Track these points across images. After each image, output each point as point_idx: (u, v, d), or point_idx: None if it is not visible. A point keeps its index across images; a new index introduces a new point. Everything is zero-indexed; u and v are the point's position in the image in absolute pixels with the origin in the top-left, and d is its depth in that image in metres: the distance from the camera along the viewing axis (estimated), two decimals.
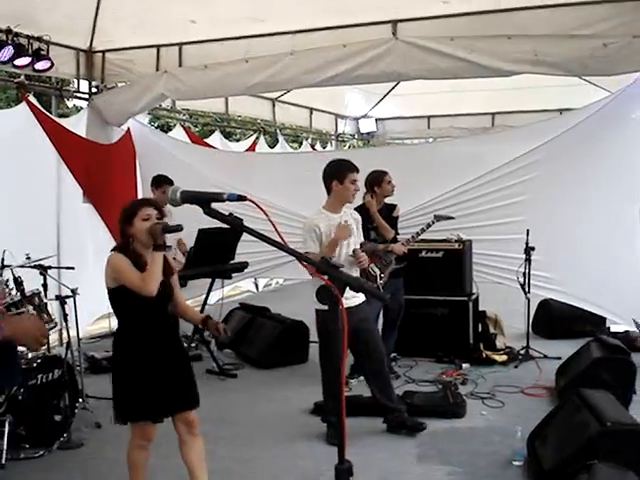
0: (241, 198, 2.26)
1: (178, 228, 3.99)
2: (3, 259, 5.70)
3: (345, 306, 4.94)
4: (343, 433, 2.13)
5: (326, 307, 4.95)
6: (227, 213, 2.26)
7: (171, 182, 7.41)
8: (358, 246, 5.50)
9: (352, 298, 5.25)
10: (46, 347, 6.25)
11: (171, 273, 4.11)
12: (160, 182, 7.50)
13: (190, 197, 2.27)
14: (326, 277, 2.10)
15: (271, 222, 2.31)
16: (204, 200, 2.24)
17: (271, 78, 7.78)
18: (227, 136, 14.31)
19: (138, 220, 3.89)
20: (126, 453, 4.14)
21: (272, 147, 13.74)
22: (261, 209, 2.23)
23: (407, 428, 5.57)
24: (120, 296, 3.93)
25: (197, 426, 4.14)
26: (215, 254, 7.45)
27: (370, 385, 5.66)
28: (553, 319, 8.59)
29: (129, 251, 3.92)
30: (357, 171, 5.46)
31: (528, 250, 7.37)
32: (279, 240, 2.20)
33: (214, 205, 2.25)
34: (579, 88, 10.14)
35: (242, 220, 2.26)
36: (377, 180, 6.83)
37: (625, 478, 3.80)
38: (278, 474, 4.94)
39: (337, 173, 5.43)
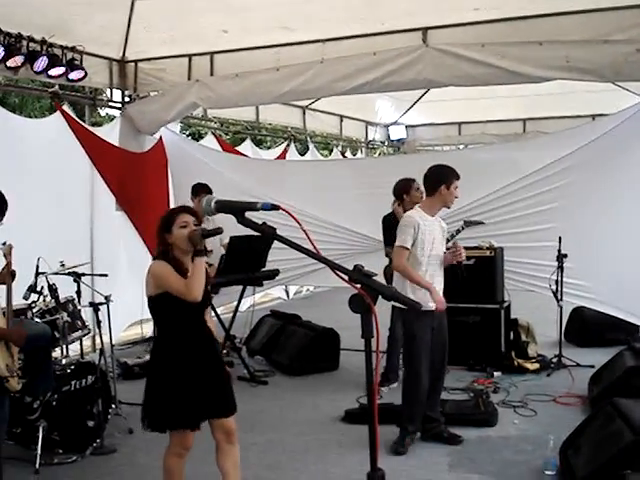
0: (275, 207, 2.28)
1: (218, 231, 4.03)
2: (38, 266, 5.78)
3: (429, 309, 5.02)
4: (376, 440, 2.12)
5: (406, 307, 5.03)
6: (261, 222, 2.27)
7: (210, 190, 7.46)
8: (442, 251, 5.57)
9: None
10: (80, 353, 6.35)
11: (209, 282, 4.13)
12: (200, 190, 7.57)
13: (224, 206, 2.29)
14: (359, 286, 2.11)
15: (304, 231, 2.33)
16: (238, 209, 2.26)
17: (301, 86, 7.82)
18: (258, 144, 14.39)
19: (176, 227, 3.93)
20: (163, 459, 4.17)
21: (302, 154, 13.78)
22: (294, 218, 2.25)
23: (444, 440, 5.56)
24: (162, 303, 3.96)
25: (235, 434, 4.16)
26: (246, 261, 7.48)
27: None
28: (586, 327, 8.51)
29: (170, 258, 3.96)
30: (459, 178, 5.51)
31: (560, 257, 7.31)
32: (311, 248, 2.22)
33: (248, 214, 2.26)
34: (612, 93, 10.04)
35: (275, 229, 2.28)
36: (406, 188, 6.83)
37: None
38: None
39: (445, 178, 5.45)
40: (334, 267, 2.12)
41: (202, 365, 4.01)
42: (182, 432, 4.02)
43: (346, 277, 2.10)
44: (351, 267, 2.12)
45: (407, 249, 5.36)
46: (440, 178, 5.47)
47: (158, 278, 3.93)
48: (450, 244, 5.51)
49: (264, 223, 2.26)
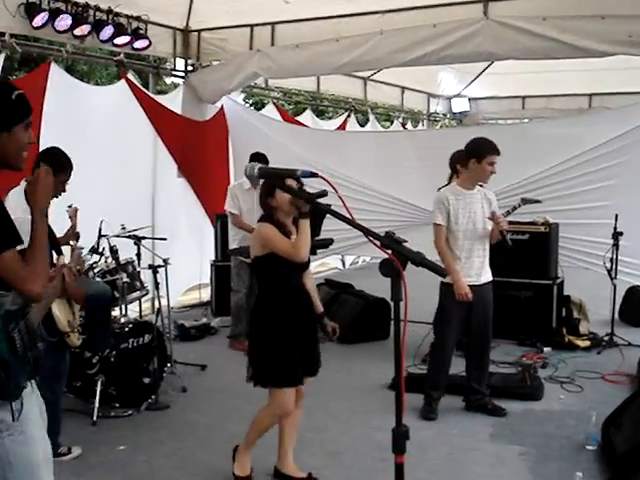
0: (313, 175, 2.39)
1: (322, 193, 4.12)
2: (100, 229, 6.02)
3: (468, 284, 5.06)
4: (402, 399, 2.24)
5: (447, 280, 5.08)
6: (318, 191, 2.37)
7: (267, 161, 7.58)
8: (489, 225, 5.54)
9: (474, 277, 5.44)
10: (139, 313, 6.61)
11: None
12: (257, 159, 7.67)
13: (266, 173, 2.42)
14: (390, 251, 2.21)
15: (340, 198, 2.43)
16: (279, 176, 2.38)
17: (360, 57, 7.87)
18: (319, 114, 14.45)
19: (279, 191, 4.02)
20: (258, 414, 4.35)
21: (363, 126, 13.80)
22: (331, 185, 2.35)
23: (487, 411, 5.64)
24: (267, 263, 4.15)
25: (303, 397, 4.36)
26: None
27: (468, 362, 5.76)
28: None
29: (274, 221, 4.13)
30: (498, 153, 5.41)
31: (616, 235, 7.24)
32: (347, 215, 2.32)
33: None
34: None
35: (315, 195, 2.38)
36: (459, 159, 6.82)
37: None
38: (353, 444, 5.09)
39: (476, 151, 5.42)
40: (367, 233, 2.22)
41: (301, 324, 4.20)
42: (286, 389, 4.17)
43: (378, 243, 2.21)
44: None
45: (440, 225, 5.45)
46: (472, 151, 5.45)
47: (265, 239, 4.11)
48: (489, 215, 5.46)
49: (321, 192, 2.36)
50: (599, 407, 5.31)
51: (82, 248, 3.64)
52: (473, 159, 5.41)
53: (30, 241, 2.43)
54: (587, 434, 4.94)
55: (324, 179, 2.33)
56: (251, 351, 4.24)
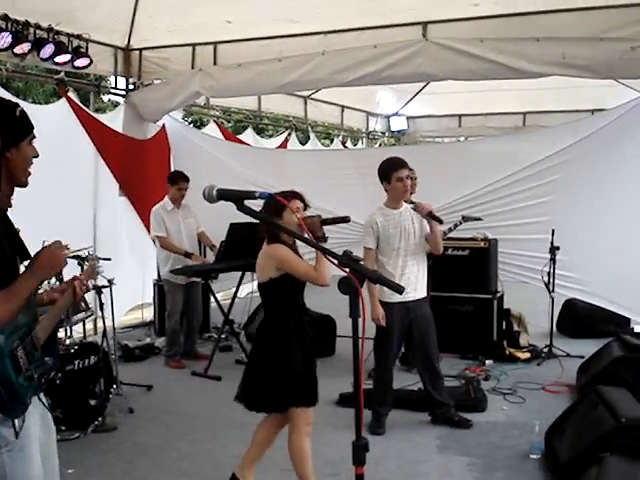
0: (271, 196, 2.44)
1: (346, 219, 4.15)
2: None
3: (402, 300, 5.17)
4: (361, 413, 2.29)
5: (385, 299, 5.16)
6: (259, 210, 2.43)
7: (187, 178, 7.65)
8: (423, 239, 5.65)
9: (411, 292, 5.53)
10: (83, 335, 6.52)
11: None
12: (177, 178, 7.73)
13: (225, 195, 2.45)
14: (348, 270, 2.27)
15: (298, 219, 2.49)
16: (238, 198, 2.42)
17: (303, 77, 7.95)
18: (260, 132, 14.50)
19: (287, 213, 3.95)
20: (291, 445, 4.24)
21: (304, 144, 13.90)
22: (290, 208, 2.40)
23: (454, 423, 5.75)
24: (277, 286, 4.15)
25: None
26: (246, 248, 7.61)
27: (422, 378, 5.86)
28: (578, 318, 8.69)
29: (284, 243, 4.10)
30: (404, 167, 5.55)
31: (553, 250, 7.47)
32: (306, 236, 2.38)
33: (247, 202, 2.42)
34: (612, 89, 10.14)
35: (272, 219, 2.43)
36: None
37: (633, 471, 3.92)
38: None
39: (383, 174, 5.61)
40: (325, 252, 2.28)
41: (306, 347, 4.20)
42: (309, 410, 4.19)
43: (336, 261, 2.27)
44: None
45: (370, 249, 5.59)
46: (380, 175, 5.65)
47: (282, 261, 4.08)
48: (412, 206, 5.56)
49: (261, 211, 2.42)
50: (541, 417, 5.47)
51: (98, 259, 3.56)
52: (384, 182, 5.62)
53: (9, 285, 2.45)
54: (531, 443, 5.10)
55: (282, 202, 2.38)
56: (256, 375, 4.21)
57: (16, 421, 2.40)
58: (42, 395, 2.68)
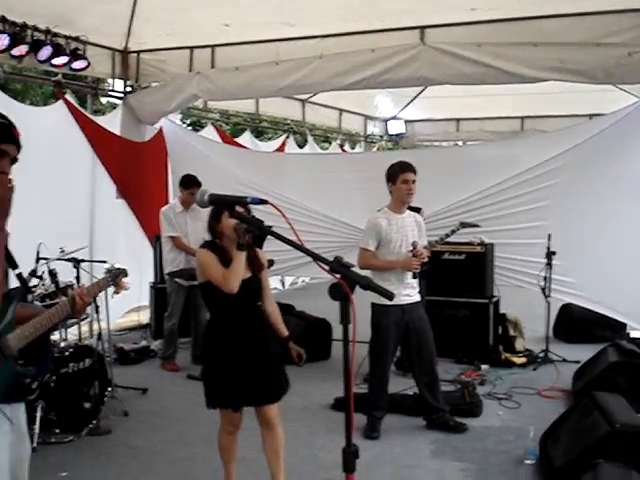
0: (263, 202, 2.43)
1: (264, 231, 4.09)
2: (38, 252, 5.93)
3: (398, 303, 5.16)
4: (351, 420, 2.29)
5: (381, 302, 5.18)
6: (255, 215, 2.42)
7: (199, 184, 7.60)
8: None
9: (405, 296, 5.54)
10: (78, 337, 6.50)
11: (260, 269, 4.23)
12: (189, 183, 7.69)
13: (217, 200, 2.45)
14: (338, 275, 2.27)
15: (289, 224, 2.48)
16: (229, 203, 2.42)
17: (300, 81, 7.96)
18: (257, 135, 14.49)
19: (225, 217, 4.03)
20: (217, 438, 4.37)
21: (301, 147, 13.91)
22: (281, 212, 2.40)
23: (449, 428, 5.74)
24: (208, 290, 4.15)
25: (273, 421, 4.26)
26: None
27: (418, 383, 5.85)
28: (574, 323, 8.70)
29: (216, 247, 4.11)
30: (411, 171, 5.61)
31: (549, 254, 7.48)
32: (295, 240, 2.37)
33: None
34: (609, 94, 10.12)
35: (263, 222, 2.43)
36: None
37: (628, 477, 3.91)
38: (298, 464, 5.08)
39: (389, 175, 5.66)
40: (316, 258, 2.27)
41: (245, 350, 4.11)
42: (227, 411, 4.21)
43: (326, 267, 2.27)
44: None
45: (369, 250, 5.61)
46: (387, 176, 5.68)
47: (200, 266, 4.13)
48: (411, 247, 5.59)
49: (253, 216, 2.41)
50: (536, 422, 5.47)
51: (125, 272, 3.36)
52: (389, 183, 5.66)
53: None
54: (526, 449, 5.07)
55: (273, 206, 2.38)
56: (203, 374, 4.29)
57: None
58: (20, 408, 2.60)
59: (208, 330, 4.31)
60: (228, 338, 4.13)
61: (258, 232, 2.32)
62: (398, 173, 5.60)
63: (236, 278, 3.97)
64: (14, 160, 2.51)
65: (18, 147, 2.52)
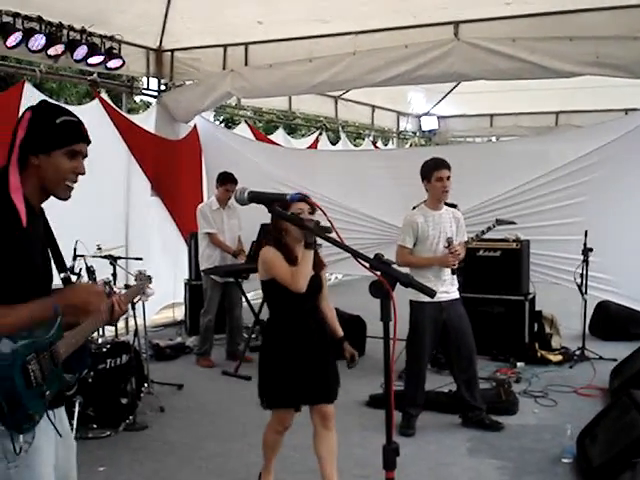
0: (303, 199, 2.43)
1: (329, 230, 4.09)
2: (76, 249, 6.01)
3: (436, 300, 5.15)
4: (391, 416, 2.28)
5: (419, 299, 5.15)
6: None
7: (235, 180, 7.64)
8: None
9: (444, 294, 5.52)
10: (114, 333, 6.57)
11: (321, 267, 4.23)
12: (225, 180, 7.73)
13: (256, 197, 2.45)
14: (379, 273, 2.26)
15: (329, 221, 2.48)
16: (269, 200, 2.42)
17: (333, 78, 7.96)
18: (290, 132, 14.50)
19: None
20: (263, 435, 4.37)
21: (334, 144, 13.90)
22: (320, 209, 2.40)
23: (485, 426, 5.71)
24: (271, 288, 4.13)
25: (332, 420, 4.28)
26: None
27: (456, 381, 5.83)
28: (610, 321, 8.58)
29: (282, 245, 4.06)
30: (445, 167, 5.57)
31: (586, 251, 7.38)
32: (336, 237, 2.37)
33: None
34: None
35: (302, 219, 2.43)
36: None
37: None
38: None
39: (424, 172, 5.62)
40: (356, 255, 2.27)
41: (306, 350, 4.08)
42: (283, 411, 4.19)
43: (367, 264, 2.26)
44: None
45: (406, 247, 5.60)
46: (422, 174, 5.64)
47: (266, 264, 4.07)
48: (446, 243, 5.55)
49: (292, 213, 2.42)
50: (573, 420, 5.41)
51: (150, 278, 3.34)
52: (424, 181, 5.62)
53: (19, 305, 2.33)
54: (563, 447, 5.04)
55: (313, 203, 2.37)
56: (258, 373, 4.25)
57: (21, 437, 2.29)
58: (62, 411, 2.58)
59: (269, 329, 4.28)
60: (291, 337, 4.10)
61: (299, 227, 2.30)
62: (432, 170, 5.56)
63: (305, 277, 3.95)
64: (85, 156, 2.54)
65: (88, 143, 2.55)
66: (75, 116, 2.54)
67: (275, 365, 4.12)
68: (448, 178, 5.58)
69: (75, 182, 2.51)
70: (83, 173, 2.52)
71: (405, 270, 5.44)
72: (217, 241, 7.73)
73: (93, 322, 2.64)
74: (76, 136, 2.51)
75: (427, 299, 5.25)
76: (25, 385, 2.28)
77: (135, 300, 3.09)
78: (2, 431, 2.28)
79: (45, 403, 2.39)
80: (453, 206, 6.64)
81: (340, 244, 2.36)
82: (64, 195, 2.51)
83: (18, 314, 2.31)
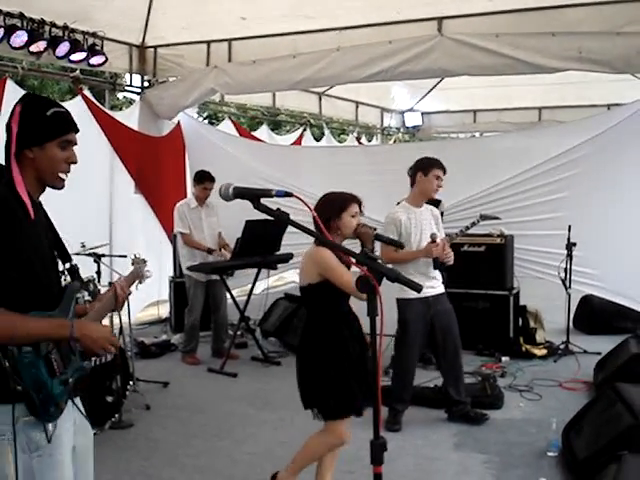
0: (288, 194, 2.43)
1: (395, 243, 4.04)
2: None
3: (422, 296, 5.11)
4: (378, 412, 2.28)
5: (406, 296, 5.13)
6: (275, 208, 2.42)
7: (213, 179, 7.65)
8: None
9: (430, 288, 5.52)
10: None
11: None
12: (203, 178, 7.72)
13: (242, 193, 2.44)
14: (365, 268, 2.27)
15: (314, 217, 2.47)
16: (254, 196, 2.41)
17: (317, 74, 7.95)
18: (274, 129, 14.47)
19: (347, 215, 3.96)
20: (313, 446, 4.26)
21: (318, 140, 13.89)
22: (306, 204, 2.40)
23: (470, 419, 5.74)
24: (321, 291, 3.96)
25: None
26: (261, 245, 7.65)
27: (443, 375, 5.85)
28: (594, 315, 8.63)
29: (335, 246, 3.75)
30: (443, 170, 5.60)
31: (570, 246, 7.42)
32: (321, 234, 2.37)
33: (263, 200, 2.41)
34: (628, 83, 10.06)
35: (288, 215, 2.42)
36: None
37: None
38: None
39: (423, 165, 5.62)
40: (342, 250, 2.27)
41: (354, 352, 4.02)
42: (343, 423, 4.08)
43: (353, 260, 2.27)
44: None
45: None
46: (419, 165, 5.64)
47: (325, 268, 3.88)
48: (430, 238, 5.51)
49: (278, 209, 2.41)
50: (558, 414, 5.44)
51: (145, 261, 3.43)
52: (420, 172, 5.60)
53: (24, 315, 2.34)
54: (548, 441, 5.06)
55: (299, 198, 2.37)
56: (306, 383, 4.10)
57: (49, 426, 2.34)
58: (78, 400, 2.62)
59: (316, 335, 4.07)
60: (342, 339, 4.01)
61: (286, 223, 2.29)
62: (432, 167, 5.58)
63: None
64: (75, 144, 2.59)
65: (77, 132, 2.58)
66: (62, 106, 2.56)
67: (333, 371, 3.96)
68: (441, 179, 5.61)
69: (69, 172, 2.56)
70: (76, 162, 2.57)
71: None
72: (189, 241, 7.69)
73: (102, 309, 2.75)
74: (67, 126, 2.54)
75: (414, 295, 5.29)
76: (49, 374, 2.34)
77: (135, 284, 3.15)
78: (27, 422, 2.32)
79: (68, 391, 2.45)
80: (438, 201, 6.68)
81: (326, 240, 2.36)
82: (60, 185, 2.58)
83: (23, 328, 2.31)
